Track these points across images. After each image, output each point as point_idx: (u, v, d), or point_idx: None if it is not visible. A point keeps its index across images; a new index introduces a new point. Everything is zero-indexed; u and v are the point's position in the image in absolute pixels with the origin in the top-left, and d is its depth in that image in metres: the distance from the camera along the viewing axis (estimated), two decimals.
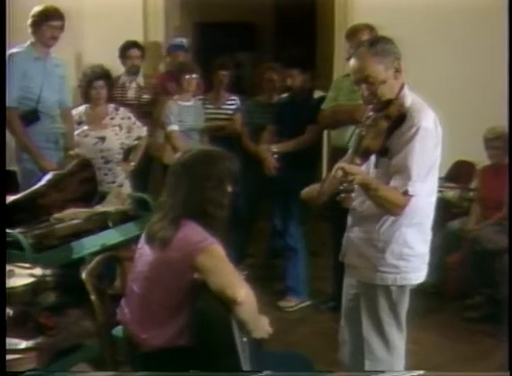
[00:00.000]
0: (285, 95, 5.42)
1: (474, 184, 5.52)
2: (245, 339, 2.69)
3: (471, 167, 5.67)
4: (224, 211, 2.86)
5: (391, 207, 3.05)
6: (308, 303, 5.29)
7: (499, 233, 4.86)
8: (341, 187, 2.91)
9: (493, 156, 5.16)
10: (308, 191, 3.32)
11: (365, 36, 4.45)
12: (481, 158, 5.31)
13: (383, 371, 3.25)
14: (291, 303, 5.25)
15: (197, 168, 2.83)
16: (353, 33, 4.72)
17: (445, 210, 5.37)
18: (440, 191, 5.30)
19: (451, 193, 5.54)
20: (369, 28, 4.71)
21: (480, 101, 5.56)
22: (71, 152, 4.88)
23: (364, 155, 3.03)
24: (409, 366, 3.45)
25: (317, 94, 5.11)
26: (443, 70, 5.78)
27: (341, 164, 2.96)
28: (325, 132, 5.46)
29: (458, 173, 5.70)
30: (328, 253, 5.08)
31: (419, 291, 4.63)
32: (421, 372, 2.84)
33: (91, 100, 5.10)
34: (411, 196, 3.01)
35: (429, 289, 5.18)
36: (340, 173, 2.87)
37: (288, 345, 4.24)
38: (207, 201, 2.81)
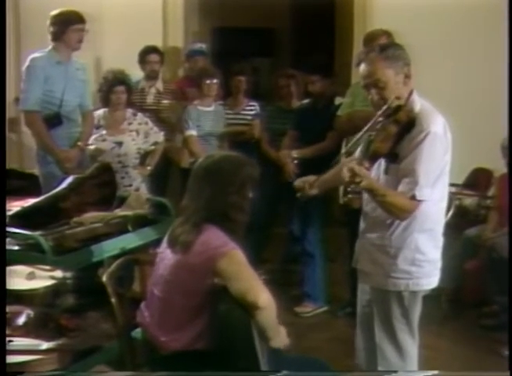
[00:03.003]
0: (306, 101, 5.45)
1: (491, 192, 5.50)
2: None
3: (489, 174, 5.65)
4: (245, 216, 2.89)
5: (399, 213, 3.06)
6: (324, 309, 5.30)
7: None
8: (349, 188, 2.94)
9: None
10: (302, 180, 3.36)
11: (382, 42, 4.46)
12: (499, 166, 5.29)
13: (396, 371, 3.27)
14: (308, 309, 5.26)
15: (220, 172, 2.86)
16: (371, 38, 4.74)
17: (463, 217, 5.38)
18: (458, 198, 5.32)
19: (468, 201, 5.53)
20: (387, 34, 4.73)
21: (499, 108, 5.54)
22: (79, 143, 4.94)
23: (372, 158, 3.05)
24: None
25: (338, 101, 5.11)
26: (461, 76, 5.77)
27: (351, 164, 2.96)
28: None
29: (476, 181, 5.68)
30: (345, 259, 5.09)
31: (435, 298, 4.64)
32: (435, 372, 2.85)
33: (111, 105, 5.14)
34: (419, 201, 3.02)
35: (446, 296, 5.18)
36: (348, 174, 2.89)
37: (305, 351, 4.24)
38: (229, 206, 2.84)
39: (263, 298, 2.64)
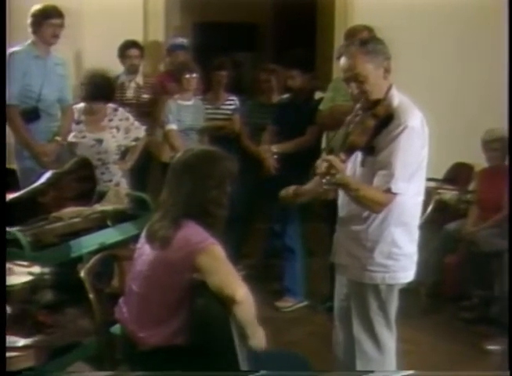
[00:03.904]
0: (286, 95, 5.44)
1: (472, 186, 5.52)
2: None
3: (469, 169, 5.67)
4: (224, 211, 2.88)
5: (372, 206, 3.07)
6: (305, 303, 5.30)
7: (496, 235, 4.86)
8: (324, 180, 2.94)
9: (491, 158, 5.15)
10: (285, 191, 3.35)
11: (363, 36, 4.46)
12: (479, 160, 5.32)
13: (372, 371, 3.27)
14: (288, 303, 5.26)
15: (199, 167, 2.84)
16: (352, 34, 4.73)
17: (443, 212, 5.39)
18: (438, 193, 5.35)
19: (449, 195, 5.55)
20: (368, 29, 4.72)
21: (479, 103, 5.57)
22: (57, 137, 4.92)
23: (349, 151, 3.06)
24: (405, 367, 3.48)
25: (318, 95, 5.11)
26: (442, 72, 5.79)
27: (328, 156, 2.98)
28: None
29: (456, 175, 5.70)
30: (325, 253, 5.09)
31: (415, 292, 4.66)
32: (411, 372, 2.86)
33: (91, 108, 5.08)
34: (394, 194, 3.03)
35: (425, 290, 5.20)
36: (325, 164, 2.90)
37: (285, 345, 4.23)
38: (208, 201, 2.82)
39: (240, 292, 2.63)
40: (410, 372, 2.84)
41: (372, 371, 3.25)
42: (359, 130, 3.04)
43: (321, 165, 2.92)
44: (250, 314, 2.70)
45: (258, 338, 2.76)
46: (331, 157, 2.94)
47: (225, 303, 2.62)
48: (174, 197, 2.85)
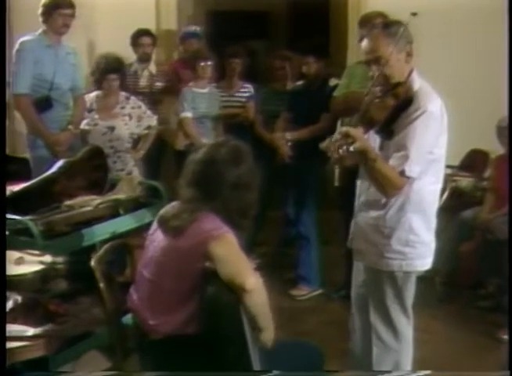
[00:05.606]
0: (300, 82, 5.41)
1: (487, 173, 5.48)
2: None
3: (485, 156, 5.62)
4: (254, 210, 2.82)
5: (387, 186, 3.03)
6: (319, 292, 5.29)
7: None
8: (340, 150, 2.89)
9: (507, 145, 5.09)
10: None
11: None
12: (495, 147, 5.26)
13: (389, 371, 3.25)
14: (303, 291, 5.25)
15: (229, 164, 2.76)
16: (366, 20, 4.71)
17: (459, 199, 5.35)
18: (453, 180, 5.30)
19: (465, 182, 5.50)
20: (382, 16, 4.68)
21: (495, 90, 5.50)
22: (70, 126, 4.92)
23: (368, 125, 3.04)
24: (421, 355, 3.45)
25: (332, 82, 5.09)
26: (458, 59, 5.75)
27: (346, 127, 2.95)
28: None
29: (472, 162, 5.66)
30: (340, 241, 5.07)
31: (430, 281, 4.61)
32: (427, 372, 2.83)
33: (103, 90, 5.10)
34: (408, 177, 3.01)
35: (441, 278, 5.16)
36: (340, 136, 2.88)
37: (299, 334, 4.24)
38: (246, 203, 2.78)
39: (251, 281, 2.58)
40: (426, 372, 2.81)
41: (389, 371, 3.22)
42: (378, 106, 3.02)
43: (336, 136, 2.90)
44: (261, 303, 2.65)
45: (268, 334, 2.71)
46: (348, 128, 2.92)
47: (236, 292, 2.59)
48: (198, 193, 2.77)
